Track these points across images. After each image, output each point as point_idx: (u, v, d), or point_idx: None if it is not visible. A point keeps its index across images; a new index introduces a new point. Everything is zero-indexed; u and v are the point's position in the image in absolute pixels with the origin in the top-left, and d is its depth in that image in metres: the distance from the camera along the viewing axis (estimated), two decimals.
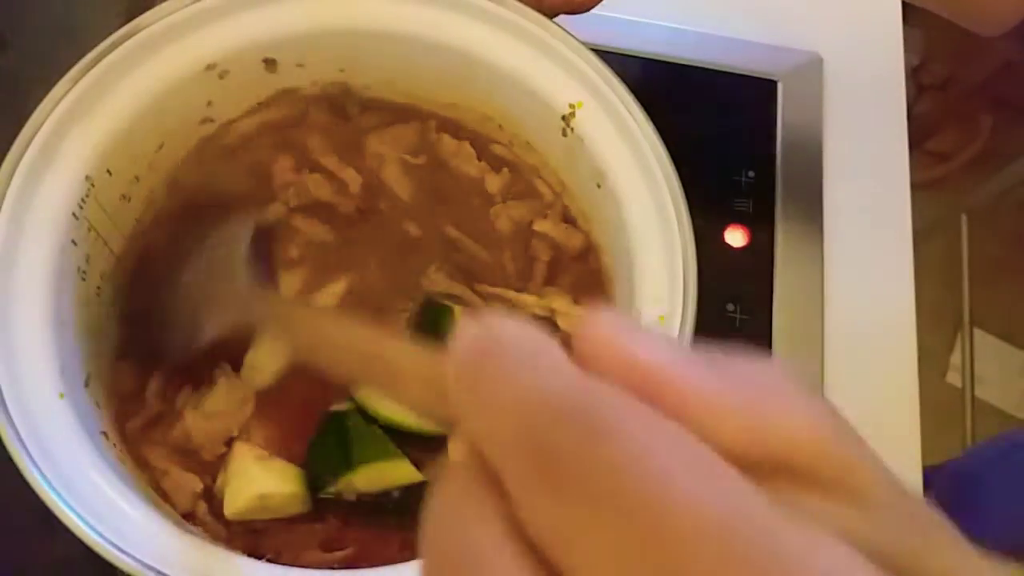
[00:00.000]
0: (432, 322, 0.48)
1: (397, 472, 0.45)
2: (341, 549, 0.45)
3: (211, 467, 0.46)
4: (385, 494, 0.45)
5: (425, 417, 0.24)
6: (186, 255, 0.46)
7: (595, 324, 0.18)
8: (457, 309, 0.48)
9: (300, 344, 0.37)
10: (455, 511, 0.17)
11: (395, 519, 0.45)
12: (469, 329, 0.18)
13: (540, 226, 0.51)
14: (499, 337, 0.18)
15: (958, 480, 0.82)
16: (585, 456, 0.15)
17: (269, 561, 0.40)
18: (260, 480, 0.44)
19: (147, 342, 0.47)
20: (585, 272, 0.51)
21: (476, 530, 0.16)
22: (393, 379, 0.24)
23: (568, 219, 0.52)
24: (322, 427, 0.46)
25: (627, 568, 0.14)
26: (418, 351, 0.24)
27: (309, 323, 0.35)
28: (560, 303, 0.49)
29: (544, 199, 0.52)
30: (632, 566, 0.14)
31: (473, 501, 0.17)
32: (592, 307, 0.19)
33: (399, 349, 0.24)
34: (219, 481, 0.46)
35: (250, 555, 0.39)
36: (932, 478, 0.69)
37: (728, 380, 0.17)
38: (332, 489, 0.45)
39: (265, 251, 0.48)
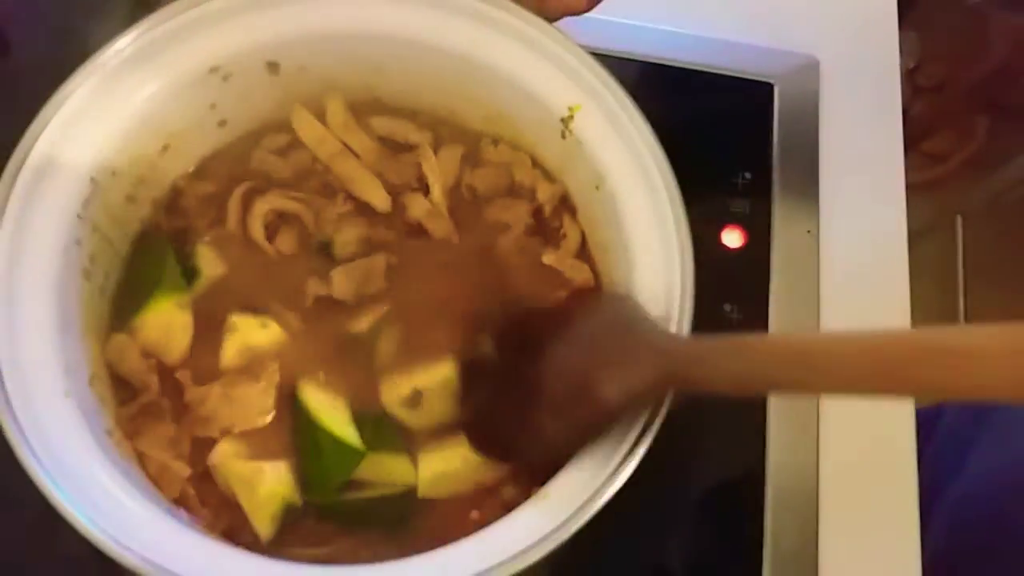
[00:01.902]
0: None
1: (399, 469, 0.46)
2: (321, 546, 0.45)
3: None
4: (368, 500, 0.46)
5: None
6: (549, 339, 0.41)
7: None
8: None
9: (761, 375, 0.34)
10: None
11: (373, 526, 0.45)
12: None
13: (548, 259, 0.51)
14: None
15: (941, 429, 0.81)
16: None
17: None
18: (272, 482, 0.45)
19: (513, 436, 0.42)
20: None
21: None
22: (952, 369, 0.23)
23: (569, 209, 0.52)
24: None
25: None
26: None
27: (771, 345, 0.33)
28: None
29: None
30: None
31: None
32: None
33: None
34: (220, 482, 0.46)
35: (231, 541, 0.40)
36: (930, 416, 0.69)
37: None
38: (340, 477, 0.45)
39: None
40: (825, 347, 0.29)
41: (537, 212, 0.52)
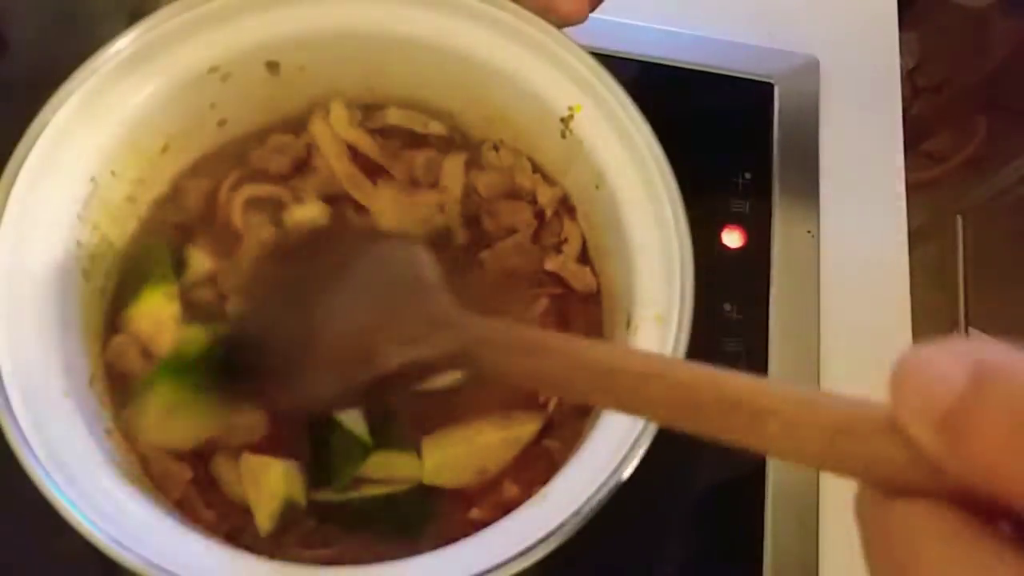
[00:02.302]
0: None
1: (406, 466, 0.46)
2: (325, 548, 0.45)
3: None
4: (373, 499, 0.46)
5: (817, 465, 0.21)
6: (326, 279, 0.38)
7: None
8: None
9: (561, 378, 0.30)
10: (958, 552, 0.17)
11: (374, 526, 0.45)
12: (923, 360, 0.18)
13: (551, 264, 0.51)
14: (988, 370, 0.17)
15: None
16: None
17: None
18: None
19: (274, 385, 0.39)
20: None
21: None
22: (759, 421, 0.22)
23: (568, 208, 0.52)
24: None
25: None
26: (779, 384, 0.22)
27: (582, 353, 0.29)
28: None
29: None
30: None
31: (983, 543, 0.17)
32: None
33: (760, 386, 0.22)
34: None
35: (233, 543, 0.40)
36: None
37: None
38: (348, 473, 0.45)
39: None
40: (644, 371, 0.26)
41: (538, 216, 0.52)
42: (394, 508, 0.46)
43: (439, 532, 0.43)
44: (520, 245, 0.51)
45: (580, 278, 0.51)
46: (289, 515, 0.44)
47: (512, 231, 0.51)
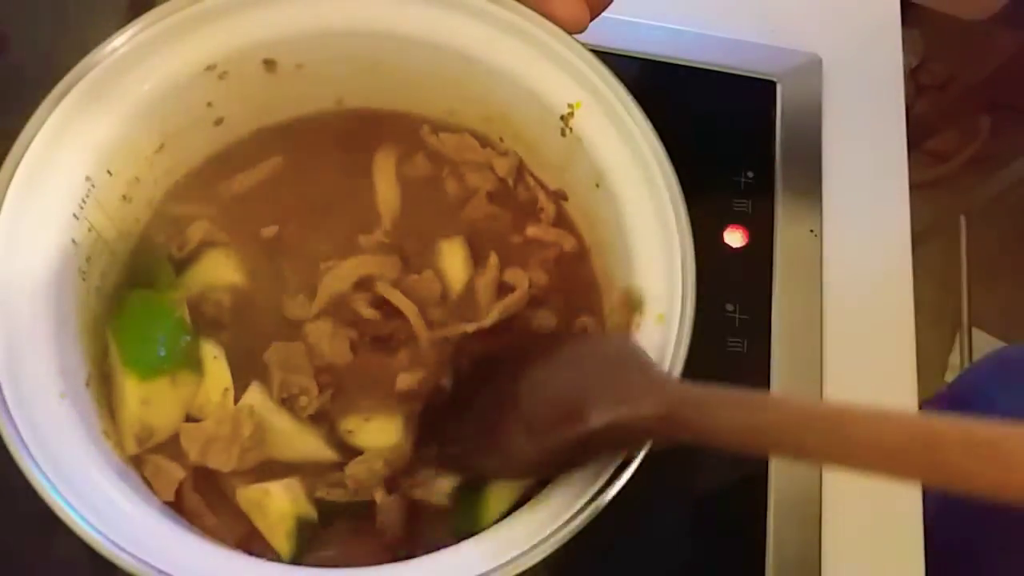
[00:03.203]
0: None
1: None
2: (325, 550, 0.45)
3: None
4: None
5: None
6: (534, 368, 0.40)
7: None
8: None
9: (770, 435, 0.32)
10: None
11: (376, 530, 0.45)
12: None
13: (532, 231, 0.51)
14: None
15: (958, 400, 0.81)
16: None
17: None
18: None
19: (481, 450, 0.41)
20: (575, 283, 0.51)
21: None
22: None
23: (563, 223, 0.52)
24: None
25: None
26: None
27: (783, 408, 0.31)
28: None
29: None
30: None
31: None
32: None
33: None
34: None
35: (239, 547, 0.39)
36: (926, 408, 0.68)
37: None
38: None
39: None
40: (859, 420, 0.28)
41: (502, 187, 0.52)
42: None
43: (432, 538, 0.43)
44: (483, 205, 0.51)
45: (564, 239, 0.51)
46: (307, 531, 0.44)
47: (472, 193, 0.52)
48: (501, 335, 0.47)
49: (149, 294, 0.47)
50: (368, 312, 0.48)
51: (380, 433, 0.46)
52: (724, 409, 0.33)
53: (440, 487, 0.45)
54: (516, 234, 0.52)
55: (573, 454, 0.37)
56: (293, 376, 0.46)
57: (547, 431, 0.38)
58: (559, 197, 0.52)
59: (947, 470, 0.25)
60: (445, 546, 0.38)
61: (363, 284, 0.49)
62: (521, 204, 0.52)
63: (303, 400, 0.46)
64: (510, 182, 0.52)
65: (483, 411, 0.42)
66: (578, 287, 0.51)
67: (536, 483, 0.44)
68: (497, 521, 0.41)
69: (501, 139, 0.53)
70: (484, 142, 0.53)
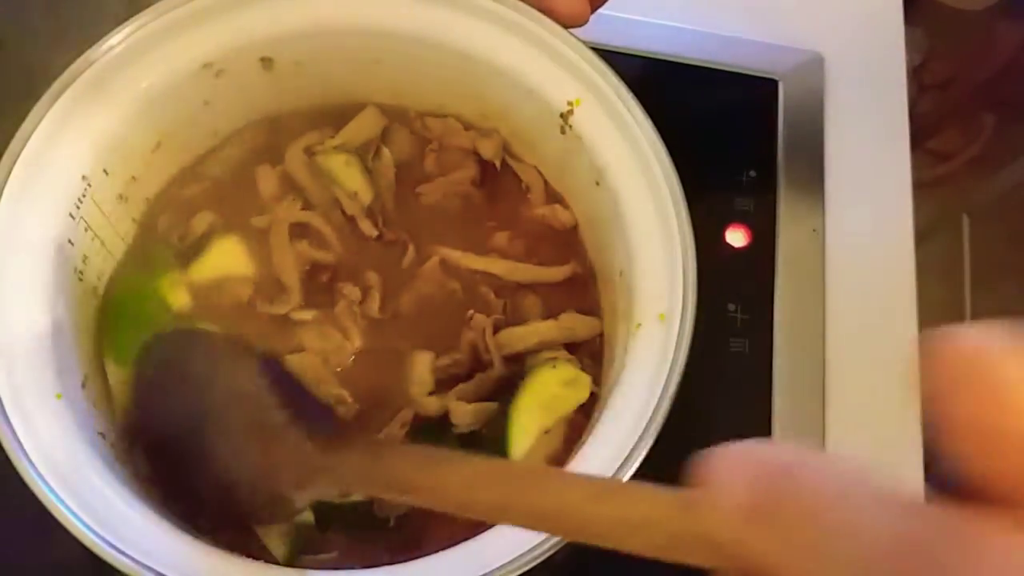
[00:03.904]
0: None
1: None
2: (326, 552, 0.44)
3: None
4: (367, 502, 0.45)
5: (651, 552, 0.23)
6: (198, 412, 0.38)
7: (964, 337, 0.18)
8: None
9: (419, 495, 0.31)
10: None
11: (372, 529, 0.45)
12: (729, 454, 0.19)
13: (540, 211, 0.51)
14: (796, 463, 0.18)
15: None
16: None
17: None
18: None
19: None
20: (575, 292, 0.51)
21: None
22: (591, 528, 0.25)
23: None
24: None
25: None
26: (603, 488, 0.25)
27: (429, 473, 0.30)
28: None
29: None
30: None
31: None
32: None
33: (582, 491, 0.25)
34: None
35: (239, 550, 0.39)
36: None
37: None
38: None
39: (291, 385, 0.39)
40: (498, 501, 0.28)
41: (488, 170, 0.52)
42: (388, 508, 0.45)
43: (435, 534, 0.42)
44: (460, 187, 0.52)
45: (555, 216, 0.51)
46: (304, 533, 0.44)
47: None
48: None
49: (138, 278, 0.47)
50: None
51: None
52: (373, 483, 0.33)
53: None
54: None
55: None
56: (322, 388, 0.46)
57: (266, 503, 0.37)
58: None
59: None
60: (449, 547, 0.38)
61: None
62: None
63: (341, 409, 0.46)
64: (496, 164, 0.53)
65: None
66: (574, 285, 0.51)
67: None
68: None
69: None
70: (468, 125, 0.53)
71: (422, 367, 0.47)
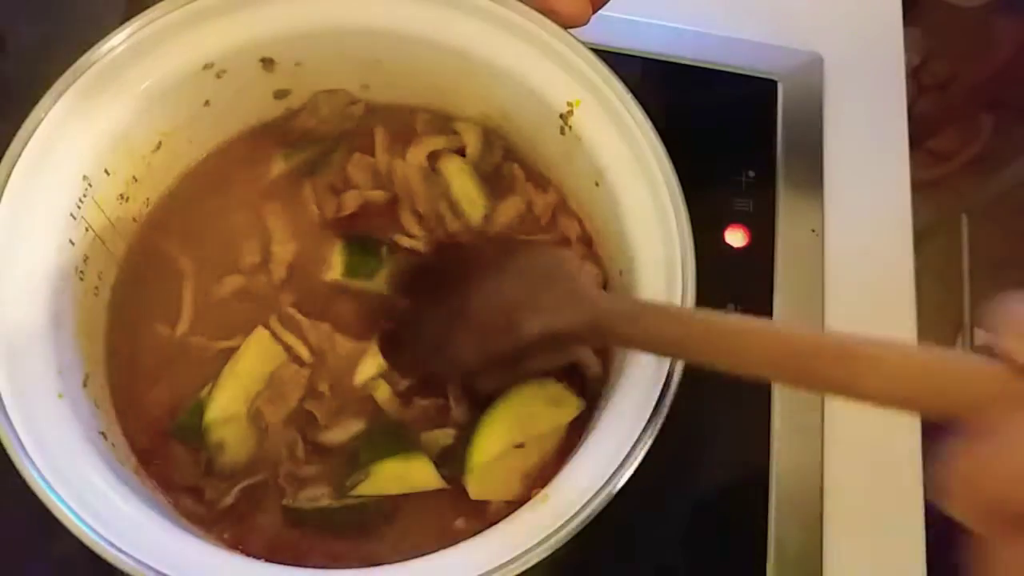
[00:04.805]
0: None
1: (421, 474, 0.45)
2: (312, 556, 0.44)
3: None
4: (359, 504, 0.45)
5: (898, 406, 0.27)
6: (478, 277, 0.44)
7: None
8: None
9: (688, 345, 0.36)
10: None
11: (366, 531, 0.45)
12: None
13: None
14: None
15: None
16: None
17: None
18: None
19: (431, 354, 0.45)
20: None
21: None
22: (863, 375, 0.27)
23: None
24: None
25: None
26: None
27: (703, 320, 0.35)
28: None
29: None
30: None
31: None
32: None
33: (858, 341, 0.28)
34: None
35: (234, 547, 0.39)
36: None
37: None
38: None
39: None
40: (753, 331, 0.32)
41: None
42: (380, 510, 0.45)
43: (424, 540, 0.42)
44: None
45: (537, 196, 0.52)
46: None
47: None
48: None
49: None
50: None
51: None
52: (643, 321, 0.37)
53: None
54: None
55: (516, 358, 0.42)
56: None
57: (488, 341, 0.42)
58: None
59: (815, 376, 0.30)
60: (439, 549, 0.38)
61: None
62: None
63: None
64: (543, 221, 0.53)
65: (436, 325, 0.45)
66: None
67: (536, 483, 0.44)
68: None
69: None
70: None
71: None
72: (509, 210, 0.52)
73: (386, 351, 0.48)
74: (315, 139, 0.53)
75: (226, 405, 0.46)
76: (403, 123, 0.54)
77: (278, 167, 0.52)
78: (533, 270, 0.42)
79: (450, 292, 0.44)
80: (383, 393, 0.47)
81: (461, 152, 0.53)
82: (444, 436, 0.46)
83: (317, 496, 0.45)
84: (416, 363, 0.47)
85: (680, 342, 0.36)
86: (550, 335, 0.40)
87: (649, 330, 0.37)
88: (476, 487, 0.45)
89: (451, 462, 0.45)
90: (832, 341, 0.30)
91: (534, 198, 0.52)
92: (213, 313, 0.49)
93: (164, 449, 0.46)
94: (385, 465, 0.45)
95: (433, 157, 0.52)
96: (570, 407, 0.46)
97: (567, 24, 0.46)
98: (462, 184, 0.51)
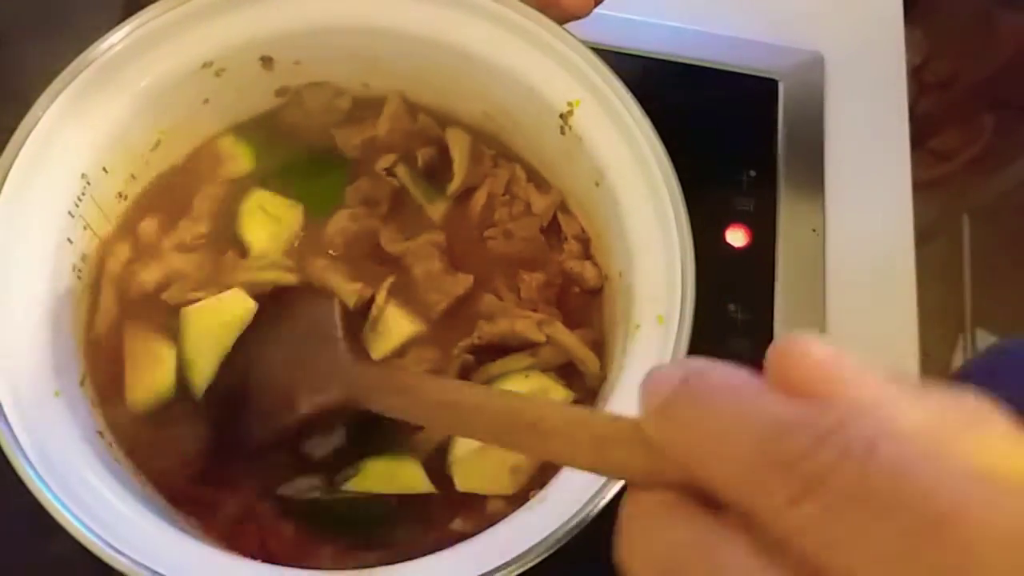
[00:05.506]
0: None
1: (409, 475, 0.45)
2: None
3: None
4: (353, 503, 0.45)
5: (592, 470, 0.25)
6: (269, 339, 0.46)
7: (802, 344, 0.21)
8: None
9: (420, 412, 0.38)
10: (674, 534, 0.20)
11: (360, 531, 0.45)
12: (660, 370, 0.21)
13: (572, 264, 0.51)
14: (698, 370, 0.20)
15: None
16: (854, 469, 0.17)
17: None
18: None
19: (232, 433, 0.45)
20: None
21: (715, 550, 0.19)
22: (547, 438, 0.26)
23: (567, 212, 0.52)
24: None
25: (907, 568, 0.16)
26: (567, 407, 0.29)
27: (431, 390, 0.37)
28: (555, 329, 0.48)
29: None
30: (913, 566, 0.16)
31: (693, 523, 0.20)
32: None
33: (549, 409, 0.27)
34: None
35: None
36: None
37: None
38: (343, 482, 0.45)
39: (354, 330, 0.47)
40: (473, 402, 0.32)
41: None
42: (375, 510, 0.45)
43: (420, 540, 0.43)
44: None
45: (583, 273, 0.51)
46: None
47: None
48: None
49: None
50: None
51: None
52: (388, 392, 0.40)
53: None
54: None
55: (309, 423, 0.44)
56: None
57: (277, 416, 0.44)
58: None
59: (513, 443, 0.29)
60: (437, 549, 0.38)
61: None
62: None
63: None
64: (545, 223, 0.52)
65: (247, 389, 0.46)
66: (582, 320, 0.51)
67: (535, 483, 0.43)
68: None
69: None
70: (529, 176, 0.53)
71: None
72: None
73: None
74: (299, 137, 0.52)
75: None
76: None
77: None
78: (305, 334, 0.45)
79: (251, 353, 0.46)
80: None
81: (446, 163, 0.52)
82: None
83: (309, 488, 0.45)
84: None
85: (421, 413, 0.38)
86: (320, 410, 0.43)
87: (392, 402, 0.40)
88: (461, 479, 0.45)
89: (442, 457, 0.45)
90: (526, 413, 0.28)
91: (534, 199, 0.52)
92: None
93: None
94: (375, 463, 0.45)
95: None
96: (556, 397, 0.46)
97: (570, 16, 0.46)
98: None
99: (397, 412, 0.40)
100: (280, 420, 0.44)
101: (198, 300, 0.46)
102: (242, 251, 0.49)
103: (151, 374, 0.45)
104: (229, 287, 0.46)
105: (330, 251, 0.50)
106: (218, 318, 0.45)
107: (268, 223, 0.49)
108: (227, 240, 0.49)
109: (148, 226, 0.48)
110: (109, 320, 0.46)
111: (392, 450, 0.45)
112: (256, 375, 0.45)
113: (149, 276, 0.47)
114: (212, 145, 0.51)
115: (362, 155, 0.52)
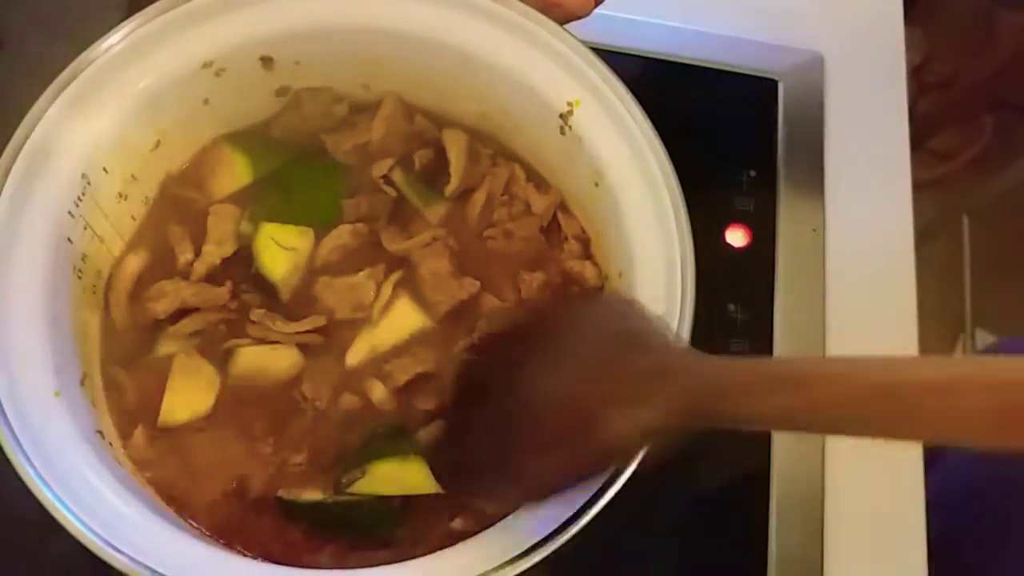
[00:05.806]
0: None
1: (415, 477, 0.45)
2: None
3: None
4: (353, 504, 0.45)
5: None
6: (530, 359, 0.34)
7: None
8: None
9: (827, 411, 0.27)
10: None
11: (359, 532, 0.45)
12: None
13: (572, 264, 0.50)
14: None
15: None
16: None
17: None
18: None
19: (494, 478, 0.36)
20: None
21: None
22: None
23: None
24: None
25: None
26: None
27: (863, 372, 0.26)
28: None
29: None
30: None
31: None
32: None
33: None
34: None
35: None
36: None
37: None
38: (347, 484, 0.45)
39: None
40: (916, 382, 0.24)
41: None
42: (376, 511, 0.45)
43: (419, 542, 0.43)
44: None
45: (583, 273, 0.50)
46: None
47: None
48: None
49: None
50: None
51: None
52: (766, 391, 0.28)
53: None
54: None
55: (598, 472, 0.32)
56: None
57: (561, 450, 0.32)
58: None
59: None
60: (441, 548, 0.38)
61: None
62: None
63: None
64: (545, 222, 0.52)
65: (492, 423, 0.36)
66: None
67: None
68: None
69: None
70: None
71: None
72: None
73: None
74: (295, 145, 0.52)
75: None
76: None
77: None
78: (599, 337, 0.33)
79: (501, 390, 0.35)
80: (379, 393, 0.47)
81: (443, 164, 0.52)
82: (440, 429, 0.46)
83: (313, 491, 0.45)
84: (473, 484, 0.39)
85: (821, 412, 0.27)
86: (643, 438, 0.30)
87: (776, 403, 0.28)
88: None
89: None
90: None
91: (533, 199, 0.52)
92: None
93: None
94: (383, 465, 0.45)
95: None
96: None
97: (571, 16, 0.46)
98: None
99: (776, 419, 0.29)
100: (577, 454, 0.32)
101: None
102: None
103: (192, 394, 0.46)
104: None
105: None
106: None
107: (283, 256, 0.48)
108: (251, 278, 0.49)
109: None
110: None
111: (397, 453, 0.45)
112: (531, 395, 0.34)
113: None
114: (209, 155, 0.51)
115: (355, 160, 0.52)
